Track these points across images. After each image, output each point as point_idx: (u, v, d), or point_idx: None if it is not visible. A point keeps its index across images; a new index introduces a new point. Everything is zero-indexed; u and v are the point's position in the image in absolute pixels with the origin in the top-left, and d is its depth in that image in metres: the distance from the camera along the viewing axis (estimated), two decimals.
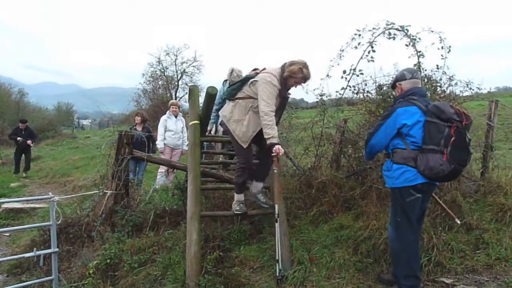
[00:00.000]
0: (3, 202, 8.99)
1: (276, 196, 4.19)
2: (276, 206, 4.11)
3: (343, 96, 5.91)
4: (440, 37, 5.15)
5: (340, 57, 5.53)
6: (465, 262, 3.94)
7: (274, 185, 4.36)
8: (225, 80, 6.60)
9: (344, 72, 5.56)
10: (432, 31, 5.15)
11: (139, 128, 8.84)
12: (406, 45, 5.32)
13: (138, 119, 9.13)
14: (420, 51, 5.26)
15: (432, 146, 3.31)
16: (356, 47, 5.43)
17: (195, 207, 4.38)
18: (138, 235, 5.14)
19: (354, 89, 5.66)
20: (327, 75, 5.52)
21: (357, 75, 5.54)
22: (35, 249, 4.88)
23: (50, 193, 5.08)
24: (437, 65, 5.25)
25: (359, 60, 5.46)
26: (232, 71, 6.43)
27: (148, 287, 4.19)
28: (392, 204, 3.68)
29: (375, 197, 4.82)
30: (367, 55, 5.40)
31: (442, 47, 5.16)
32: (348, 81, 5.60)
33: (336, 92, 5.71)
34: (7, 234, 7.68)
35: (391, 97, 5.43)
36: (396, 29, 5.36)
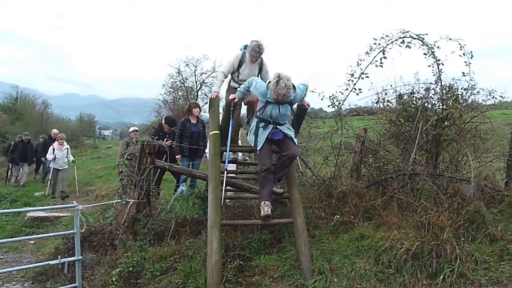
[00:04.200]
0: (28, 211, 9.23)
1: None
2: None
3: (361, 105, 5.94)
4: (459, 44, 5.12)
5: (358, 64, 5.57)
6: (489, 273, 3.85)
7: None
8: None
9: (352, 75, 5.60)
10: (451, 39, 5.13)
11: (194, 121, 8.25)
12: (425, 54, 5.31)
13: (197, 111, 8.44)
14: (439, 60, 5.23)
15: None
16: (367, 53, 5.48)
17: (216, 216, 4.42)
18: (160, 243, 5.21)
19: (359, 91, 5.71)
20: (353, 84, 5.57)
21: (363, 78, 5.61)
22: (59, 256, 4.99)
23: (74, 202, 5.20)
24: (463, 72, 5.19)
25: (367, 65, 5.53)
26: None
27: None
28: None
29: (396, 207, 4.78)
30: (376, 61, 5.44)
31: (463, 54, 5.12)
32: (355, 84, 5.67)
33: (339, 92, 5.82)
34: (32, 242, 7.85)
35: (412, 106, 5.41)
36: (411, 37, 5.36)
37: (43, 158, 13.67)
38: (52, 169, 11.99)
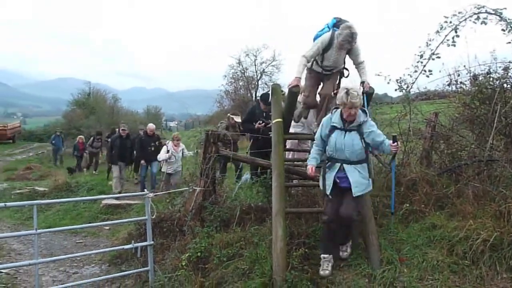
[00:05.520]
0: (103, 198, 9.84)
1: None
2: None
3: (431, 88, 5.64)
4: None
5: (428, 44, 5.28)
6: None
7: None
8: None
9: (421, 56, 5.30)
10: None
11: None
12: (503, 30, 4.92)
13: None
14: None
15: None
16: (438, 32, 5.17)
17: (280, 204, 4.43)
18: (226, 230, 5.32)
19: (429, 73, 5.41)
20: (422, 65, 5.31)
21: (433, 59, 5.32)
22: (132, 241, 5.26)
23: (145, 190, 5.44)
24: None
25: (438, 45, 5.23)
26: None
27: (237, 280, 4.33)
28: None
29: (471, 196, 4.49)
30: (447, 40, 5.12)
31: None
32: (424, 65, 5.39)
33: (408, 75, 5.53)
34: (107, 227, 8.38)
35: (488, 87, 5.05)
36: (487, 12, 4.97)
37: (142, 162, 11.49)
38: (164, 173, 10.36)
